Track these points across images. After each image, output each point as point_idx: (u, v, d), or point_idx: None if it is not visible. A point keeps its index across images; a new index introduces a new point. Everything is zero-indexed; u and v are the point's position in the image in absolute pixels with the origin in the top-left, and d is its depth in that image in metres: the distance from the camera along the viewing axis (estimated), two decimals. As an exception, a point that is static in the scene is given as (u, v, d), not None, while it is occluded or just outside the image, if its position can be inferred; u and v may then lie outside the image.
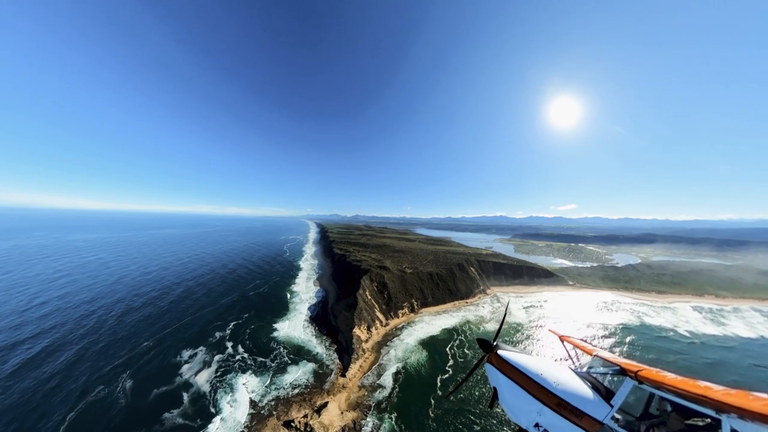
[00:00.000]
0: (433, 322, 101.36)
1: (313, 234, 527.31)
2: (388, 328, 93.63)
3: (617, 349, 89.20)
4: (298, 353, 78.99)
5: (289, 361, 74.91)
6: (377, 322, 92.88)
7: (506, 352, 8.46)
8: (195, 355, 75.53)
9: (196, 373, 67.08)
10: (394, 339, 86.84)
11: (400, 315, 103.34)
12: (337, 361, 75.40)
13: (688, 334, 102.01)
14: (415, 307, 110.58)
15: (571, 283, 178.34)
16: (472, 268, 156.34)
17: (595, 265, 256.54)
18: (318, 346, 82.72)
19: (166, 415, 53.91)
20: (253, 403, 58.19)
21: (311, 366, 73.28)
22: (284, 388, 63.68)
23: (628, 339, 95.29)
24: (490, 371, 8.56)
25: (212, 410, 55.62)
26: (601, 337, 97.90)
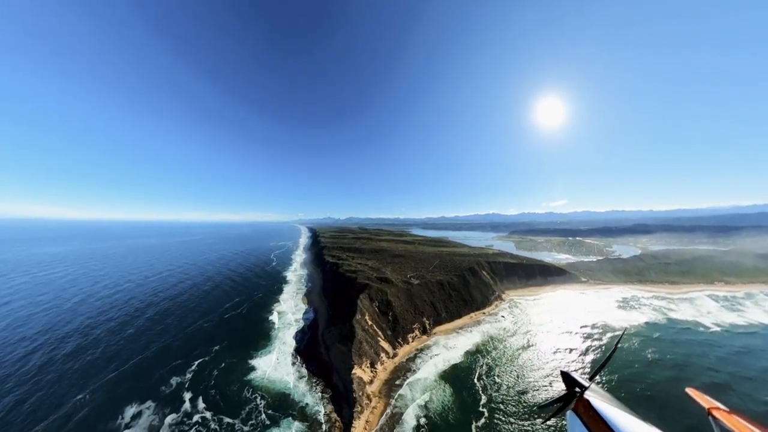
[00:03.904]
0: (450, 344, 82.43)
1: (304, 239, 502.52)
2: (396, 360, 73.66)
3: (649, 349, 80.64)
4: (281, 406, 58.67)
5: (269, 421, 54.59)
6: (382, 354, 72.83)
7: (601, 403, 5.43)
8: (140, 414, 56.48)
9: None
10: (407, 374, 67.13)
11: (410, 340, 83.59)
12: (334, 414, 55.39)
13: (711, 325, 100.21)
14: (428, 327, 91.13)
15: (584, 279, 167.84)
16: (484, 272, 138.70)
17: (600, 258, 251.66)
18: (307, 394, 62.16)
19: None
20: None
21: (297, 427, 53.10)
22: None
23: (655, 335, 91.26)
24: (574, 424, 5.63)
25: None
26: (630, 335, 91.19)
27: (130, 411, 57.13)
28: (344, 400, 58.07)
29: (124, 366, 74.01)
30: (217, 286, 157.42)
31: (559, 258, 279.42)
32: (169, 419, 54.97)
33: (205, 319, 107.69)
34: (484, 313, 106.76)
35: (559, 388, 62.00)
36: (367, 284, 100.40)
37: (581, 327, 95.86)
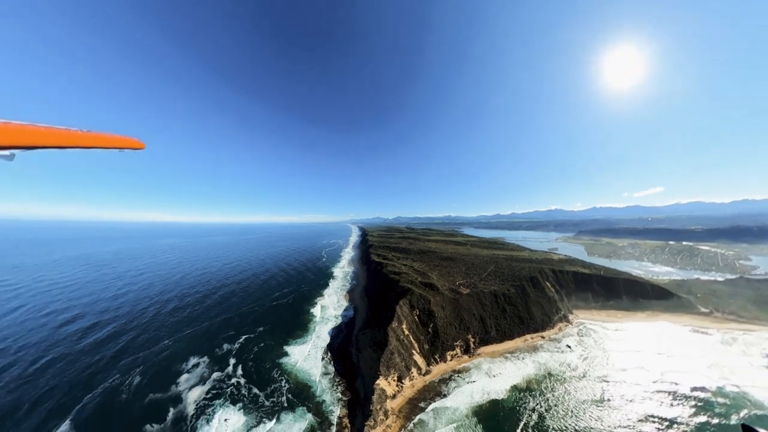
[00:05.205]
0: (495, 370, 69.46)
1: (354, 238, 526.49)
2: (428, 378, 65.85)
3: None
4: (300, 395, 60.31)
5: (286, 404, 57.28)
6: (414, 369, 66.07)
7: None
8: (198, 365, 72.28)
9: (190, 388, 63.00)
10: (435, 398, 58.89)
11: (449, 358, 74.09)
12: (347, 420, 52.77)
13: None
14: (471, 346, 79.67)
15: (705, 310, 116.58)
16: (548, 283, 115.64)
17: (732, 277, 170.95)
18: (327, 391, 61.44)
19: (147, 427, 51.68)
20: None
21: (309, 420, 52.99)
22: (265, 445, 47.35)
23: None
24: None
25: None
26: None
27: (193, 361, 73.73)
28: (360, 409, 54.52)
29: (198, 327, 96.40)
30: (272, 276, 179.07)
31: (656, 271, 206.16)
32: (215, 375, 67.36)
33: (258, 303, 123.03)
34: (542, 337, 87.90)
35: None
36: (410, 289, 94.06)
37: (694, 389, 64.04)
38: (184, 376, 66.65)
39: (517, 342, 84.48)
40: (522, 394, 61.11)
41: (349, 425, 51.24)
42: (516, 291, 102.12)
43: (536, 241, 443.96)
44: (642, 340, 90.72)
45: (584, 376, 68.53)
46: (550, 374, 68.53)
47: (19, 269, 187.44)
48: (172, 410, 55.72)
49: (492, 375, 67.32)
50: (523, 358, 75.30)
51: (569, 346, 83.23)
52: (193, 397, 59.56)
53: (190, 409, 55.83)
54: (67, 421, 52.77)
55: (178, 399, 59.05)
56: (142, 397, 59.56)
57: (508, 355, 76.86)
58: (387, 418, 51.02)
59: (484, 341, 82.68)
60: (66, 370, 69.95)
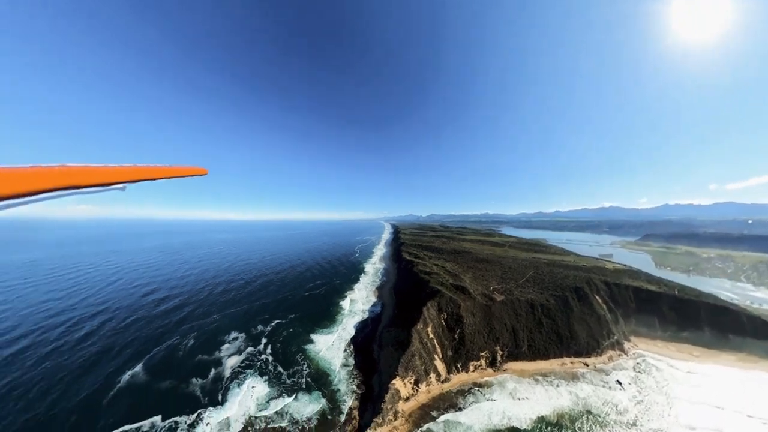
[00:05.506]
0: (521, 393, 63.10)
1: (386, 235, 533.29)
2: (446, 386, 63.29)
3: None
4: (318, 381, 64.52)
5: (304, 386, 62.30)
6: (432, 375, 64.33)
7: None
8: (237, 339, 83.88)
9: (229, 356, 73.90)
10: (449, 410, 56.30)
11: (471, 369, 70.20)
12: (356, 412, 54.43)
13: None
14: (498, 359, 74.16)
15: None
16: (597, 297, 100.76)
17: None
18: (343, 382, 64.16)
19: (193, 380, 62.38)
20: (245, 417, 53.13)
21: (322, 405, 56.30)
22: (281, 416, 53.39)
23: None
24: None
25: (219, 398, 57.35)
26: None
27: (233, 335, 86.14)
28: (372, 404, 55.62)
29: (240, 307, 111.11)
30: (308, 269, 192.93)
31: (758, 297, 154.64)
32: (248, 350, 77.66)
33: (293, 292, 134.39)
34: (585, 365, 76.95)
35: None
36: (440, 291, 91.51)
37: None
38: (226, 346, 78.68)
39: (552, 364, 75.80)
40: (549, 428, 53.21)
41: (357, 417, 52.83)
42: (556, 302, 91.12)
43: (585, 245, 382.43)
44: (726, 392, 69.74)
45: (634, 425, 56.23)
46: (589, 412, 58.73)
47: (117, 254, 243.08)
48: (213, 371, 66.65)
49: (517, 397, 61.47)
50: (557, 385, 66.83)
51: (620, 383, 70.11)
52: (230, 363, 70.03)
53: (227, 373, 65.88)
54: (140, 365, 67.84)
55: (219, 363, 70.30)
56: (193, 356, 72.70)
57: (539, 378, 69.32)
58: (395, 420, 51.02)
59: (513, 356, 76.34)
60: (144, 328, 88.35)
